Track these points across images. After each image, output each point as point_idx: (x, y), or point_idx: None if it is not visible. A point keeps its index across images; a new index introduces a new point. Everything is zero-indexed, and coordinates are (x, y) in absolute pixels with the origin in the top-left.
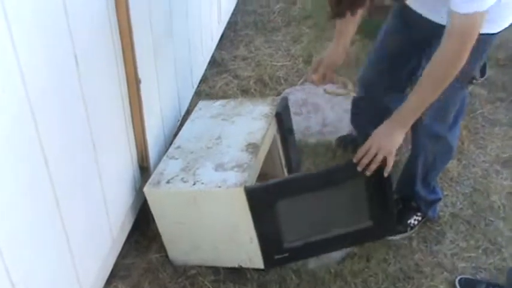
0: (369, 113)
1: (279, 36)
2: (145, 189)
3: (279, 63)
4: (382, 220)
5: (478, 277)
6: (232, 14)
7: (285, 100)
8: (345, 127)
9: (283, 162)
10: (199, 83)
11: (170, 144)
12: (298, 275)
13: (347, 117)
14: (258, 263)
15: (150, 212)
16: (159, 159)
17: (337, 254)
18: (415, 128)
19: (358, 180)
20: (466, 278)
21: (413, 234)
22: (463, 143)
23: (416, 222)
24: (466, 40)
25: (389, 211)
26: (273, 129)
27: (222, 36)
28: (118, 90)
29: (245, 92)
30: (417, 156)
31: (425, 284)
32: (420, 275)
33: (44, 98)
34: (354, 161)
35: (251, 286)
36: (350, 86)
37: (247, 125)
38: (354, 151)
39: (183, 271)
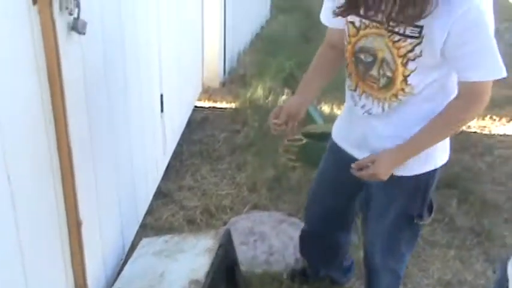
0: (316, 247)
1: (224, 165)
2: None
3: (224, 192)
4: None
5: None
6: (178, 144)
7: (228, 232)
8: (291, 255)
9: None
10: (145, 216)
11: (112, 285)
12: None
13: (292, 244)
14: None
15: None
16: None
17: None
18: (367, 263)
19: None
20: None
21: None
22: (407, 267)
23: None
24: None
25: None
26: (217, 263)
27: (167, 166)
28: (57, 233)
29: (191, 223)
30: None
31: None
32: None
33: None
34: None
35: None
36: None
37: (190, 261)
38: (302, 283)
39: None
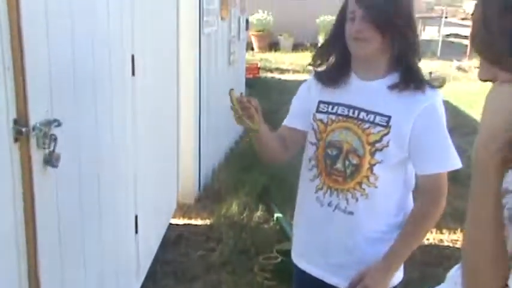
0: None
1: (199, 285)
2: None
3: None
4: None
5: None
6: (152, 263)
7: None
8: None
9: None
10: None
11: None
12: None
13: None
14: None
15: None
16: None
17: None
18: None
19: None
20: None
21: None
22: None
23: None
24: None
25: None
26: None
27: None
28: None
29: None
30: None
31: None
32: None
33: None
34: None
35: None
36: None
37: None
38: None
39: None
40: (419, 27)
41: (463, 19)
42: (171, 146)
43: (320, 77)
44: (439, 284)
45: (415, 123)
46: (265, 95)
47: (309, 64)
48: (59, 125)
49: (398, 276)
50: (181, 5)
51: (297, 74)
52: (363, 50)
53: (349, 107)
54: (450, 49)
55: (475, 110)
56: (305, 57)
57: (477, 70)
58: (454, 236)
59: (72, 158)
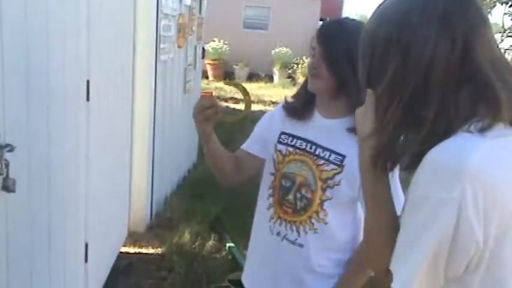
0: None
1: None
2: None
3: None
4: None
5: None
6: None
7: None
8: None
9: None
10: None
11: None
12: None
13: None
14: None
15: None
16: None
17: None
18: None
19: None
20: None
21: None
22: None
23: None
24: None
25: None
26: None
27: None
28: None
29: None
30: None
31: None
32: None
33: None
34: None
35: None
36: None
37: None
38: None
39: None
40: None
41: None
42: (124, 173)
43: (287, 109)
44: None
45: None
46: (219, 125)
47: (292, 96)
48: (12, 150)
49: None
50: (138, 32)
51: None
52: (317, 86)
53: (307, 141)
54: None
55: None
56: (260, 88)
57: None
58: None
59: (23, 183)
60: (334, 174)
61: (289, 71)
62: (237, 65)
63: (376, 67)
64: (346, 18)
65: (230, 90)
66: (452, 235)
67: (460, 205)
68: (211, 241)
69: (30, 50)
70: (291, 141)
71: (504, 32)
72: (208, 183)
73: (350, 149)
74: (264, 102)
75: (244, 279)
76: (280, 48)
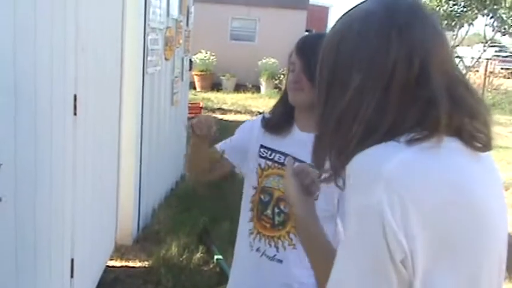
0: None
1: None
2: None
3: None
4: None
5: None
6: None
7: None
8: None
9: None
10: None
11: None
12: None
13: None
14: None
15: None
16: None
17: None
18: None
19: None
20: None
21: None
22: None
23: None
24: None
25: None
26: None
27: None
28: None
29: None
30: None
31: None
32: None
33: None
34: None
35: None
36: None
37: None
38: None
39: None
40: None
41: None
42: (111, 186)
43: (265, 123)
44: None
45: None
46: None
47: (269, 112)
48: None
49: None
50: (126, 45)
51: (238, 114)
52: (298, 99)
53: (285, 155)
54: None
55: None
56: (247, 98)
57: None
58: None
59: (9, 198)
60: None
61: (276, 82)
62: (224, 75)
63: (336, 85)
64: (323, 32)
65: (218, 101)
66: (385, 244)
67: (380, 212)
68: (199, 253)
69: (18, 65)
70: (270, 155)
71: (486, 43)
72: (196, 195)
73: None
74: (251, 112)
75: None
76: (267, 59)
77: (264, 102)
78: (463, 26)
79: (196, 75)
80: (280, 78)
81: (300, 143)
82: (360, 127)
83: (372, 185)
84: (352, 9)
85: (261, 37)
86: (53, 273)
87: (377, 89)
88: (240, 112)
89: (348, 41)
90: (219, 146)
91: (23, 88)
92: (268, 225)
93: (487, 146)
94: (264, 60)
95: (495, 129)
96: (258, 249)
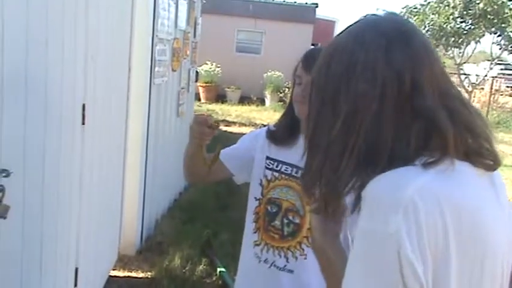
0: None
1: None
2: None
3: None
4: None
5: None
6: None
7: None
8: None
9: None
10: None
11: None
12: None
13: None
14: None
15: None
16: None
17: None
18: None
19: None
20: None
21: None
22: None
23: None
24: None
25: None
26: None
27: None
28: None
29: None
30: None
31: None
32: None
33: None
34: None
35: None
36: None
37: None
38: None
39: None
40: None
41: None
42: (116, 196)
43: (271, 134)
44: None
45: None
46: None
47: (274, 125)
48: (8, 175)
49: None
50: (134, 56)
51: (243, 126)
52: (305, 112)
53: (293, 166)
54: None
55: None
56: (251, 110)
57: None
58: None
59: (16, 208)
60: None
61: (281, 95)
62: (229, 87)
63: (326, 111)
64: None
65: (222, 113)
66: (400, 276)
67: (397, 241)
68: (202, 265)
69: (29, 75)
70: (276, 166)
71: (493, 61)
72: (199, 206)
73: None
74: (255, 125)
75: None
76: (272, 72)
77: (269, 115)
78: (469, 44)
79: (201, 86)
80: (285, 91)
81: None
82: (352, 157)
83: (390, 212)
84: (341, 33)
85: (267, 50)
86: (57, 282)
87: (368, 113)
88: (244, 124)
89: (336, 64)
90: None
91: (33, 98)
92: (277, 236)
93: (496, 162)
94: (269, 73)
95: (499, 148)
96: (266, 261)
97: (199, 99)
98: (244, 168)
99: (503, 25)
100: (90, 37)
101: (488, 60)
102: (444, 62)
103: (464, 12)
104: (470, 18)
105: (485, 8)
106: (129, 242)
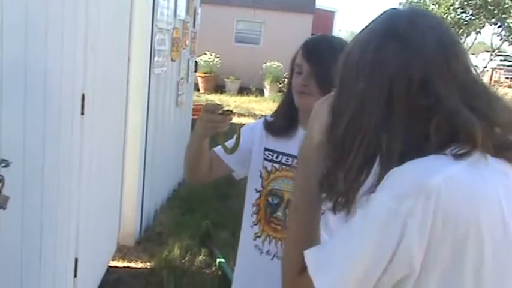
0: None
1: None
2: None
3: None
4: None
5: None
6: None
7: None
8: None
9: None
10: None
11: None
12: None
13: None
14: None
15: None
16: None
17: None
18: None
19: None
20: None
21: None
22: None
23: None
24: None
25: None
26: None
27: None
28: None
29: None
30: None
31: None
32: None
33: None
34: None
35: None
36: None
37: None
38: None
39: None
40: None
41: None
42: (115, 186)
43: (268, 126)
44: None
45: None
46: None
47: (272, 115)
48: (7, 165)
49: None
50: (133, 45)
51: (242, 117)
52: (307, 103)
53: (293, 157)
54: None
55: None
56: (250, 101)
57: None
58: None
59: (16, 198)
60: None
61: (280, 85)
62: (228, 78)
63: (343, 96)
64: (329, 35)
65: (221, 103)
66: (392, 253)
67: (405, 223)
68: (201, 256)
69: (28, 65)
70: (276, 158)
71: (493, 52)
72: (199, 197)
73: None
74: (254, 115)
75: None
76: (272, 62)
77: (268, 105)
78: (470, 35)
79: (200, 76)
80: (285, 81)
81: None
82: (359, 154)
83: (409, 194)
84: (364, 28)
85: (266, 40)
86: (57, 273)
87: (375, 112)
88: (243, 115)
89: (353, 55)
90: (217, 150)
91: (33, 88)
92: (279, 227)
93: None
94: (268, 64)
95: None
96: (268, 252)
97: (198, 90)
98: (243, 163)
99: (503, 16)
100: (90, 27)
101: (488, 51)
102: None
103: (465, 3)
104: (471, 9)
105: None
106: (129, 233)
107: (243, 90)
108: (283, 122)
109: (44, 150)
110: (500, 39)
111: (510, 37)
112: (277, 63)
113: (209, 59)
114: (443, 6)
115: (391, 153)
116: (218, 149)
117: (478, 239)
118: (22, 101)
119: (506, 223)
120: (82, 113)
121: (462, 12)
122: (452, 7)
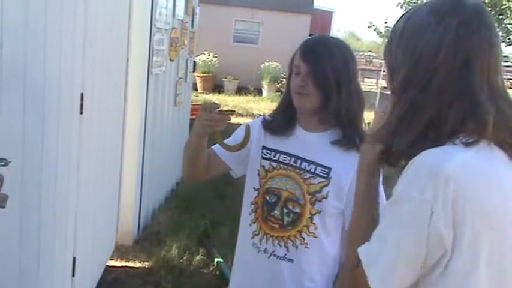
0: None
1: None
2: None
3: None
4: None
5: None
6: None
7: None
8: None
9: None
10: None
11: None
12: None
13: None
14: None
15: None
16: None
17: None
18: None
19: None
20: None
21: None
22: None
23: None
24: None
25: None
26: None
27: None
28: None
29: None
30: None
31: None
32: None
33: None
34: None
35: None
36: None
37: None
38: None
39: None
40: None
41: None
42: (113, 185)
43: (267, 124)
44: None
45: (353, 177)
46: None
47: (270, 114)
48: (6, 164)
49: None
50: (132, 45)
51: (240, 117)
52: (305, 104)
53: (291, 155)
54: (388, 101)
55: None
56: (248, 101)
57: None
58: None
59: (14, 197)
60: (322, 187)
61: (278, 85)
62: (226, 78)
63: (395, 65)
64: (327, 35)
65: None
66: (427, 235)
67: (431, 208)
68: (199, 256)
69: (27, 64)
70: (274, 156)
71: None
72: (197, 196)
73: (335, 161)
74: (252, 115)
75: None
76: (270, 62)
77: (266, 105)
78: None
79: (198, 76)
80: (283, 82)
81: (304, 143)
82: (407, 114)
83: (428, 181)
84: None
85: (264, 40)
86: (55, 272)
87: (425, 77)
88: (241, 115)
89: (414, 23)
90: (215, 148)
91: (32, 87)
92: (276, 226)
93: None
94: (266, 64)
95: None
96: (265, 250)
97: (196, 90)
98: (241, 162)
99: (501, 17)
100: (89, 26)
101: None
102: None
103: None
104: None
105: None
106: (127, 232)
107: (241, 90)
108: (281, 121)
109: (42, 149)
110: None
111: (507, 38)
112: (275, 63)
113: (207, 58)
114: None
115: (416, 125)
116: (216, 147)
117: (497, 216)
118: (21, 99)
119: None
120: (81, 112)
121: None
122: None
